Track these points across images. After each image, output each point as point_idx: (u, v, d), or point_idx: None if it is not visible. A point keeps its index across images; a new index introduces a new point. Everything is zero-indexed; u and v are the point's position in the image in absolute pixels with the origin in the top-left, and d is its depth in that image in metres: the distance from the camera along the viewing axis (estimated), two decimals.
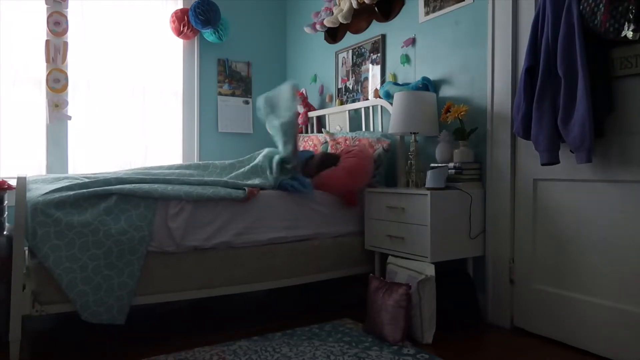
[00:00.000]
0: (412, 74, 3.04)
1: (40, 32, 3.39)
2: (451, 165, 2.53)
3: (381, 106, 3.18)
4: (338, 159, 2.88)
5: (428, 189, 2.42)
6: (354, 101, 3.57)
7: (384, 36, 3.29)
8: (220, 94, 4.13)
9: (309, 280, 2.64)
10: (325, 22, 3.54)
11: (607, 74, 2.01)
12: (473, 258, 2.55)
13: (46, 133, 3.44)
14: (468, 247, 2.48)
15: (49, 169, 3.44)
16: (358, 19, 3.46)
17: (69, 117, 3.43)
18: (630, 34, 1.80)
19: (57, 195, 2.07)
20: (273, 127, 2.80)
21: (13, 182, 2.37)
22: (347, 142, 3.22)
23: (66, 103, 3.42)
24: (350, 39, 3.62)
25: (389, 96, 3.04)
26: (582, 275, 2.15)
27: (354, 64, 3.57)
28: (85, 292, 2.03)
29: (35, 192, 2.16)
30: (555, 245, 2.26)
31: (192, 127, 4.02)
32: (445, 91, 2.81)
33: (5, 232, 2.22)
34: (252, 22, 4.29)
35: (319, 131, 3.76)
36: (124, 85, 3.73)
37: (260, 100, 2.93)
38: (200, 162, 2.91)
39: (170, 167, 2.83)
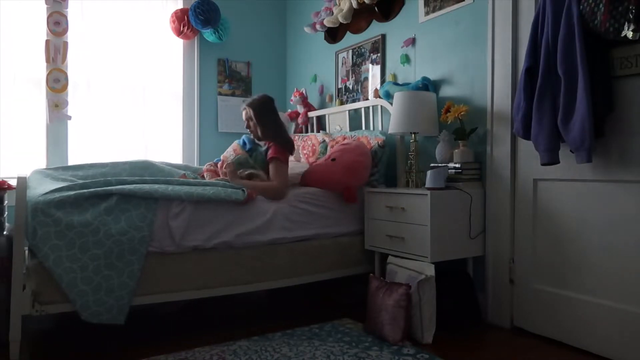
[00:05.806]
0: (412, 74, 3.04)
1: (40, 32, 3.39)
2: (451, 165, 2.53)
3: (381, 106, 3.18)
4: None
5: (428, 189, 2.42)
6: (354, 101, 3.57)
7: (384, 36, 3.29)
8: (220, 94, 4.13)
9: (309, 280, 2.63)
10: (325, 22, 3.54)
11: (607, 74, 2.01)
12: (473, 258, 2.55)
13: (46, 133, 3.44)
14: (468, 247, 2.48)
15: None
16: (358, 19, 3.45)
17: (69, 117, 3.43)
18: (630, 34, 1.80)
19: (57, 195, 2.07)
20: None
21: (13, 182, 2.37)
22: (345, 140, 3.22)
23: (66, 103, 3.41)
24: (350, 39, 3.62)
25: (389, 96, 3.04)
26: (582, 275, 2.15)
27: (354, 64, 3.57)
28: (85, 292, 2.02)
29: (35, 190, 2.16)
30: (555, 245, 2.26)
31: (192, 127, 4.02)
32: (445, 91, 2.81)
33: (5, 232, 2.23)
34: (252, 22, 4.28)
35: (319, 131, 3.76)
36: (124, 85, 3.72)
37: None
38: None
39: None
